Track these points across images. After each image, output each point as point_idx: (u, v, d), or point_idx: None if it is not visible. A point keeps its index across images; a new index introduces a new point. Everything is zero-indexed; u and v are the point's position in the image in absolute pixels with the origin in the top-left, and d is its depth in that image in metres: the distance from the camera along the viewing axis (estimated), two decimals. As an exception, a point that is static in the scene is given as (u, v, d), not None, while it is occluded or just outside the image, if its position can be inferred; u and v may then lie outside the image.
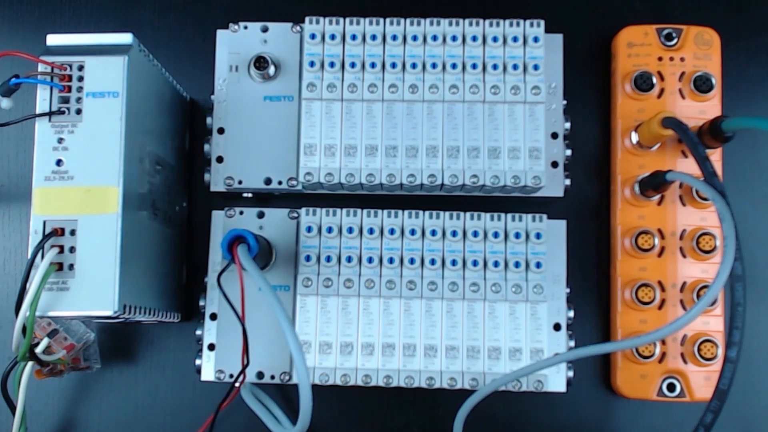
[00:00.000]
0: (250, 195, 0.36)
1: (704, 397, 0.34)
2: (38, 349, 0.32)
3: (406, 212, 0.33)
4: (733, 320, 0.27)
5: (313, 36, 0.34)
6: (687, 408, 0.36)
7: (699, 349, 0.34)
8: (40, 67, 0.29)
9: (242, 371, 0.31)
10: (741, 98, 0.38)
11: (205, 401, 0.36)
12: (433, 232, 0.33)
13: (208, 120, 0.35)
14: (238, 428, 0.36)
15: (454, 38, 0.33)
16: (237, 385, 0.32)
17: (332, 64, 0.33)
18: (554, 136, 0.35)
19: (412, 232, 0.33)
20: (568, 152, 0.35)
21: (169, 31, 0.39)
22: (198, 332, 0.34)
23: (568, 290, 0.34)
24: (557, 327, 0.34)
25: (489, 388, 0.31)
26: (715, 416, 0.27)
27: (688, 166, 0.35)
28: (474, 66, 0.33)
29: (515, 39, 0.33)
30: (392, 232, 0.33)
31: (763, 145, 0.38)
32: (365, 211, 0.33)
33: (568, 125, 0.35)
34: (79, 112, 0.29)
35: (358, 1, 0.39)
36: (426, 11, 0.34)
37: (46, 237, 0.28)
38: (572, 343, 0.33)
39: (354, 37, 0.33)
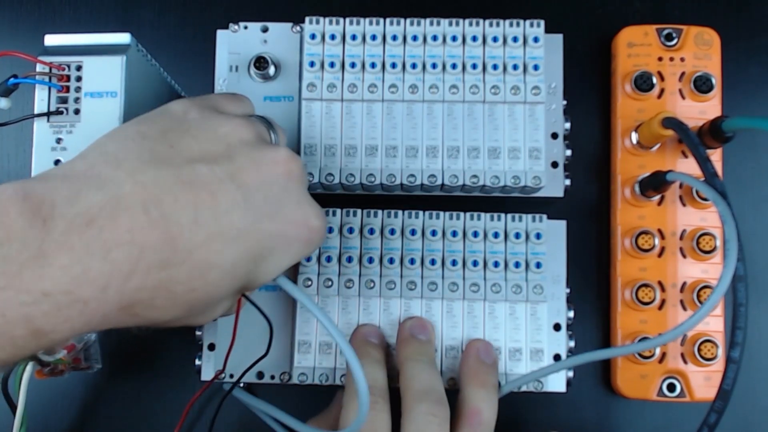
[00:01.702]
0: (249, 195, 0.36)
1: (704, 397, 0.34)
2: (38, 350, 0.32)
3: (406, 212, 0.33)
4: (736, 321, 0.27)
5: (313, 36, 0.34)
6: (687, 408, 0.36)
7: (699, 350, 0.34)
8: (38, 67, 0.29)
9: (241, 375, 0.31)
10: (741, 98, 0.38)
11: (205, 401, 0.36)
12: (433, 233, 0.33)
13: (208, 120, 0.35)
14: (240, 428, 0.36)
15: (454, 38, 0.33)
16: (235, 382, 0.32)
17: (332, 64, 0.33)
18: (554, 136, 0.35)
19: (412, 232, 0.33)
20: (568, 152, 0.35)
21: (169, 31, 0.39)
22: (198, 332, 0.34)
23: (568, 290, 0.34)
24: (557, 327, 0.33)
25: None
26: (719, 416, 0.27)
27: (689, 166, 0.35)
28: (474, 66, 0.33)
29: (515, 39, 0.33)
30: (392, 232, 0.33)
31: (763, 145, 0.38)
32: (365, 211, 0.33)
33: (568, 125, 0.35)
34: (77, 112, 0.29)
35: (358, 1, 0.39)
36: (426, 11, 0.34)
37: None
38: (572, 344, 0.33)
39: (354, 37, 0.33)
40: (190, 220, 0.23)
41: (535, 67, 0.33)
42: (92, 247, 0.21)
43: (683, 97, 0.36)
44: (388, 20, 0.34)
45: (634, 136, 0.36)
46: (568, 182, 0.35)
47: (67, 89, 0.29)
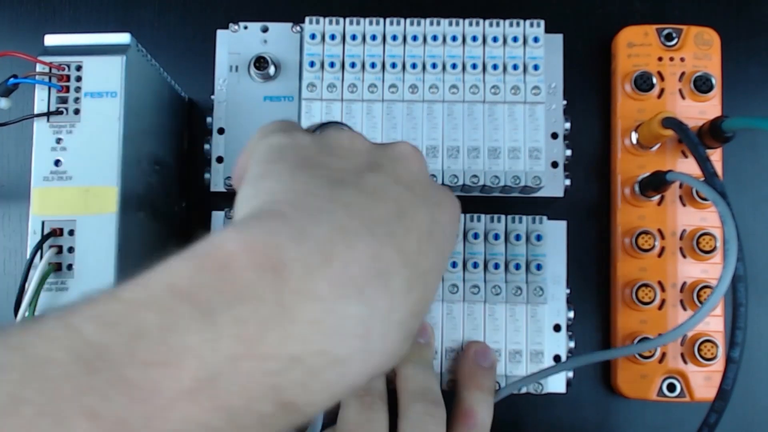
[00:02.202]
0: (249, 195, 0.36)
1: (704, 397, 0.34)
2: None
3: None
4: (736, 321, 0.27)
5: (313, 36, 0.34)
6: (687, 408, 0.35)
7: (699, 350, 0.34)
8: (38, 68, 0.29)
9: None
10: (741, 98, 0.38)
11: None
12: (433, 233, 0.33)
13: (208, 120, 0.35)
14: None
15: (454, 38, 0.33)
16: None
17: (332, 64, 0.33)
18: (554, 136, 0.35)
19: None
20: (568, 152, 0.35)
21: (169, 31, 0.39)
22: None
23: (568, 291, 0.34)
24: (557, 328, 0.33)
25: (497, 398, 0.31)
26: (719, 416, 0.27)
27: (689, 166, 0.35)
28: (474, 66, 0.33)
29: (515, 39, 0.33)
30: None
31: (763, 145, 0.38)
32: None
33: (568, 125, 0.35)
34: (77, 112, 0.29)
35: (358, 1, 0.39)
36: (426, 11, 0.34)
37: (44, 237, 0.28)
38: (572, 344, 0.33)
39: (354, 37, 0.33)
40: (403, 230, 0.20)
41: (535, 67, 0.33)
42: (343, 289, 0.17)
43: (683, 97, 0.36)
44: (388, 20, 0.34)
45: (634, 136, 0.36)
46: (568, 182, 0.35)
47: (67, 89, 0.29)
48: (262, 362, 0.16)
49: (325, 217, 0.19)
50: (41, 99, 0.29)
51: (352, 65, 0.33)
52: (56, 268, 0.28)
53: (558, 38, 0.36)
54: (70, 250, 0.28)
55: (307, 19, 0.34)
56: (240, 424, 0.16)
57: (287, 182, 0.20)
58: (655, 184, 0.34)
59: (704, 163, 0.30)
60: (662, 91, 0.36)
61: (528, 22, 0.33)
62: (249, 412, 0.16)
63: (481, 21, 0.33)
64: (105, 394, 0.15)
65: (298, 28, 0.35)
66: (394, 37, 0.33)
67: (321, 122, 0.27)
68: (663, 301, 0.35)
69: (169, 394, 0.15)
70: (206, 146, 0.35)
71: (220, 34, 0.36)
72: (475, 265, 0.32)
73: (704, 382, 0.34)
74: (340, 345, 0.17)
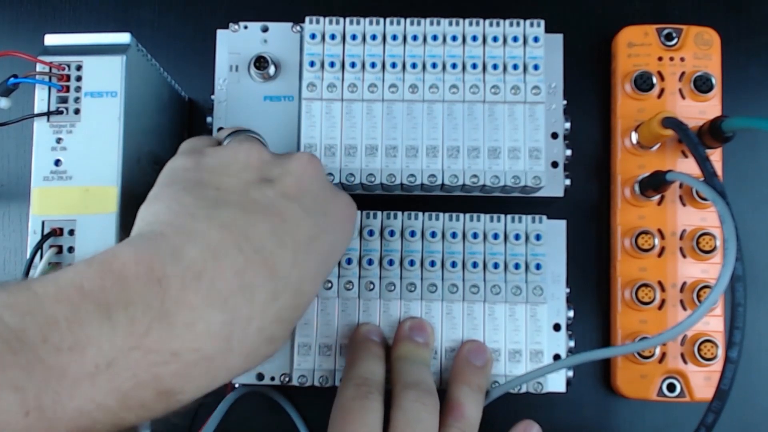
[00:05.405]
0: (249, 195, 0.36)
1: (704, 397, 0.34)
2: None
3: (405, 214, 0.33)
4: (734, 320, 0.27)
5: (313, 36, 0.34)
6: (687, 408, 0.36)
7: (699, 350, 0.34)
8: (38, 67, 0.29)
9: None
10: (741, 98, 0.38)
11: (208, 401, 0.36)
12: (433, 234, 0.33)
13: (208, 120, 0.35)
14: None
15: (454, 38, 0.33)
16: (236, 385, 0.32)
17: (332, 64, 0.33)
18: (554, 136, 0.35)
19: (412, 233, 0.33)
20: (568, 152, 0.35)
21: (169, 31, 0.39)
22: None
23: (567, 290, 0.34)
24: (557, 327, 0.33)
25: (493, 396, 0.31)
26: (717, 416, 0.27)
27: (688, 166, 0.35)
28: (474, 66, 0.33)
29: (515, 39, 0.33)
30: (392, 233, 0.33)
31: (763, 145, 0.38)
32: (364, 212, 0.33)
33: (568, 125, 0.35)
34: (77, 112, 0.29)
35: (358, 1, 0.39)
36: (426, 11, 0.34)
37: (44, 237, 0.28)
38: (572, 344, 0.33)
39: (354, 37, 0.33)
40: (275, 245, 0.24)
41: (535, 67, 0.33)
42: (210, 300, 0.21)
43: (683, 97, 0.36)
44: (388, 20, 0.34)
45: (634, 136, 0.36)
46: (568, 182, 0.35)
47: (67, 89, 0.29)
48: (148, 354, 0.20)
49: (199, 237, 0.22)
50: (41, 99, 0.29)
51: (352, 65, 0.33)
52: (56, 268, 0.28)
53: (558, 38, 0.36)
54: (70, 250, 0.28)
55: (307, 18, 0.34)
56: (128, 405, 0.20)
57: (172, 205, 0.24)
58: (655, 184, 0.34)
59: (704, 163, 0.30)
60: (662, 91, 0.36)
61: (528, 21, 0.33)
62: (136, 396, 0.20)
63: (481, 21, 0.33)
64: (26, 371, 0.18)
65: (298, 27, 0.35)
66: (394, 37, 0.33)
67: (233, 129, 0.29)
68: (663, 301, 0.35)
69: (75, 375, 0.18)
70: (206, 146, 0.35)
71: (220, 33, 0.36)
72: (475, 265, 0.32)
73: (704, 382, 0.34)
74: (208, 344, 0.21)
